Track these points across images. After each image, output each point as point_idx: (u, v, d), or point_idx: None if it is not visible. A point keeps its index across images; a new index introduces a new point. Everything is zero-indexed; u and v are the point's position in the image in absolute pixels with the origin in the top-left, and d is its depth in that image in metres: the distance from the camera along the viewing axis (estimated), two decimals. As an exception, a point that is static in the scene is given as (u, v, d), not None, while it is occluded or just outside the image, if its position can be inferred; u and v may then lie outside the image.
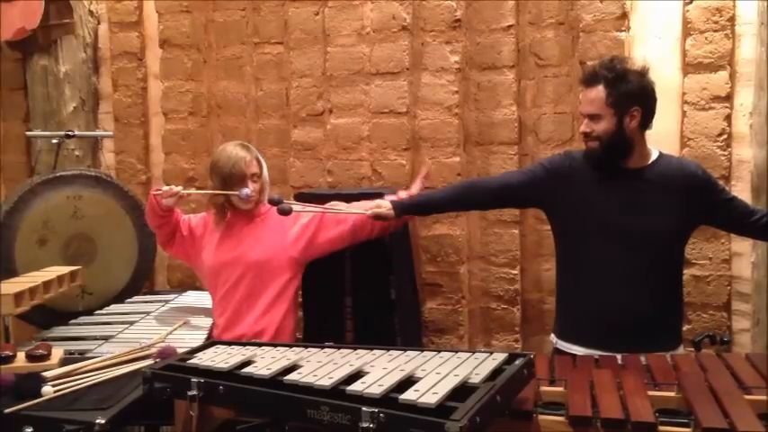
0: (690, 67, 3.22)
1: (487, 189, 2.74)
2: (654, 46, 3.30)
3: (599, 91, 2.39)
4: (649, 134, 3.19)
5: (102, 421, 1.94)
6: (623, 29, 3.28)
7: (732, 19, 3.16)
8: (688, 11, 3.20)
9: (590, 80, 2.42)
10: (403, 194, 2.92)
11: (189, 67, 3.90)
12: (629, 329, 2.36)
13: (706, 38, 3.18)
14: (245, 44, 3.84)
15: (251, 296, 2.83)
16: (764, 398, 1.82)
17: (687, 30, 3.21)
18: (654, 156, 2.47)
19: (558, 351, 2.54)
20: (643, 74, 2.42)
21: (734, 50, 3.17)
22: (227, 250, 2.88)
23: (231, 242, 2.90)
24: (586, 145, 2.47)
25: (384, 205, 2.72)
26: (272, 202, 2.78)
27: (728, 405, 1.73)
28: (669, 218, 2.38)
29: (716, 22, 3.16)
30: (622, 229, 2.40)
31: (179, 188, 2.87)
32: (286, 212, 2.73)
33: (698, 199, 2.40)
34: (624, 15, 3.27)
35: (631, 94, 2.37)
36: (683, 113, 3.22)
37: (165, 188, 2.87)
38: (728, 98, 3.17)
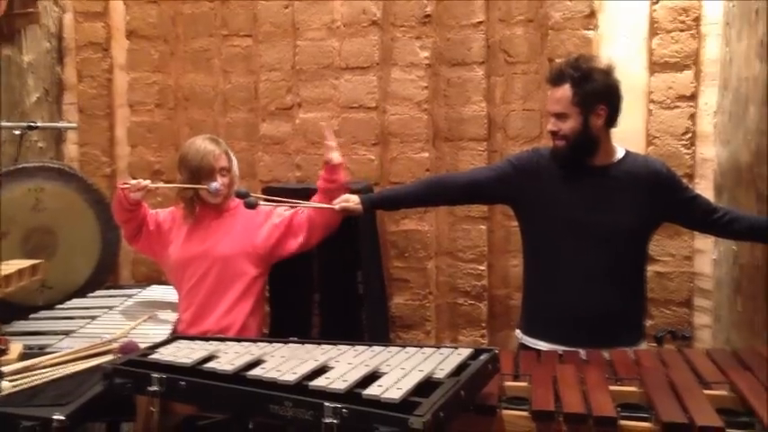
0: (656, 66, 3.26)
1: (456, 185, 2.74)
2: (621, 45, 3.33)
3: (565, 90, 2.40)
4: (615, 132, 3.22)
5: (61, 417, 1.90)
6: (591, 27, 3.30)
7: (698, 19, 3.20)
8: (655, 10, 3.23)
9: (556, 79, 2.44)
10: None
11: (156, 59, 3.85)
12: (593, 325, 2.38)
13: (672, 37, 3.22)
14: (214, 36, 3.80)
15: (217, 292, 2.80)
16: (724, 393, 1.85)
17: (654, 29, 3.24)
18: (620, 154, 2.49)
19: (523, 347, 2.55)
20: (608, 72, 2.44)
21: (699, 50, 3.22)
22: (194, 245, 2.85)
23: (199, 236, 2.87)
24: (554, 143, 2.49)
25: (352, 199, 2.70)
26: (239, 196, 2.75)
27: (688, 400, 1.75)
28: (633, 215, 2.41)
29: (682, 22, 3.20)
30: (587, 226, 2.42)
31: (147, 182, 2.83)
32: (252, 206, 2.71)
33: (662, 197, 2.43)
34: (592, 14, 3.29)
35: (597, 92, 2.39)
36: (649, 112, 3.26)
37: (133, 182, 2.83)
38: (693, 97, 3.21)
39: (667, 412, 1.69)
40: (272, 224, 2.88)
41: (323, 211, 2.77)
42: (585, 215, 2.42)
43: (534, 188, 2.53)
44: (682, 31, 3.21)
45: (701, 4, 3.19)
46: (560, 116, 2.42)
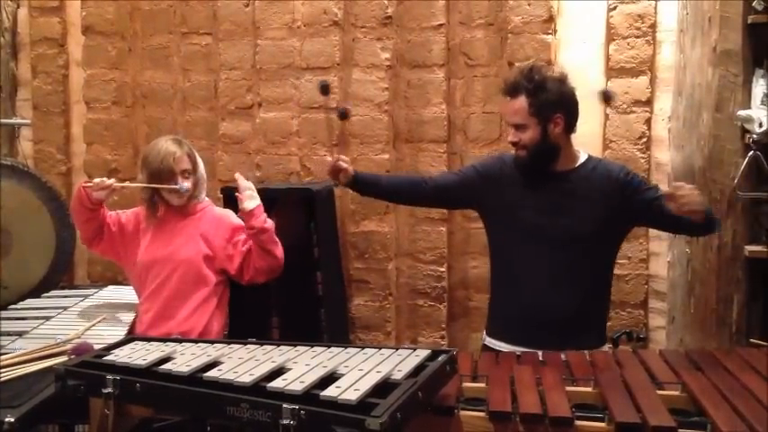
0: (613, 71, 3.31)
1: (426, 187, 2.73)
2: (579, 50, 3.38)
3: (521, 101, 2.42)
4: (574, 136, 3.28)
5: (12, 419, 1.87)
6: (550, 32, 3.34)
7: (653, 26, 3.26)
8: (612, 16, 3.29)
9: (511, 91, 2.45)
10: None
11: (113, 56, 3.79)
12: (554, 328, 2.40)
13: (628, 43, 3.27)
14: (173, 34, 3.76)
15: (179, 295, 2.77)
16: (676, 393, 1.88)
17: (611, 35, 3.30)
18: (582, 158, 2.52)
19: (486, 348, 2.57)
20: (562, 80, 2.47)
21: (654, 56, 3.28)
22: (158, 247, 2.81)
23: (163, 239, 2.83)
24: (515, 153, 2.51)
25: (345, 168, 2.67)
26: None
27: (642, 400, 1.78)
28: (594, 219, 2.43)
29: (638, 29, 3.26)
30: (550, 231, 2.44)
31: (111, 181, 2.78)
32: None
33: (623, 200, 2.44)
34: (551, 18, 3.33)
35: (552, 102, 2.41)
36: (606, 116, 3.31)
37: (97, 180, 2.77)
38: (649, 102, 3.27)
39: (621, 412, 1.71)
40: (237, 241, 2.85)
41: (265, 257, 2.81)
42: (547, 219, 2.44)
43: (497, 193, 2.55)
44: (637, 37, 3.26)
45: (657, 11, 3.26)
46: (519, 127, 2.44)
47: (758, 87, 2.73)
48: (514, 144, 2.48)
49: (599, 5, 3.32)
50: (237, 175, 2.88)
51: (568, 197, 2.45)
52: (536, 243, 2.46)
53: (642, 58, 3.27)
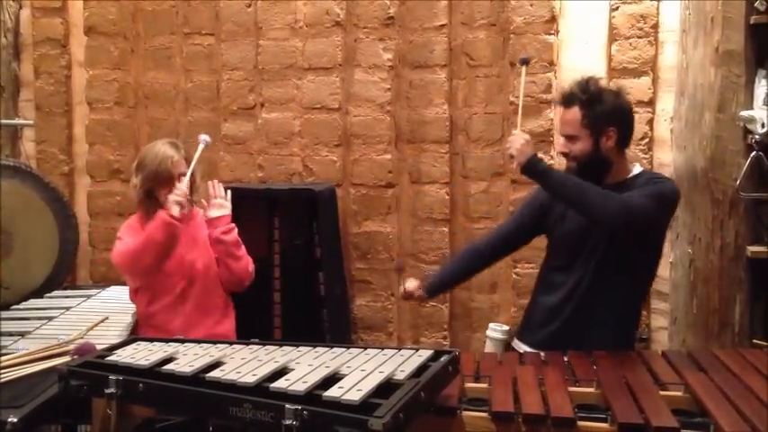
0: (615, 71, 3.31)
1: (489, 246, 2.69)
2: (581, 50, 3.38)
3: (575, 112, 2.38)
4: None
5: (14, 420, 1.86)
6: (552, 32, 3.34)
7: (656, 26, 3.26)
8: (614, 17, 3.29)
9: (566, 101, 2.41)
10: None
11: (115, 56, 3.79)
12: (590, 342, 2.35)
13: (630, 44, 3.27)
14: (175, 34, 3.76)
15: (201, 309, 2.75)
16: (679, 393, 1.88)
17: (613, 35, 3.30)
18: (634, 171, 2.45)
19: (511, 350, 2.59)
20: (618, 94, 2.43)
21: (657, 57, 3.28)
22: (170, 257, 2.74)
23: (181, 249, 2.75)
24: (567, 164, 2.48)
25: (415, 286, 2.65)
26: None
27: (644, 401, 1.78)
28: (636, 233, 2.37)
29: (640, 29, 3.26)
30: (597, 243, 2.39)
31: (183, 188, 2.66)
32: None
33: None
34: (553, 19, 3.33)
35: (606, 114, 2.36)
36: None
37: (176, 197, 2.63)
38: (651, 103, 3.27)
39: (624, 413, 1.71)
40: None
41: (223, 269, 2.78)
42: (594, 231, 2.39)
43: (551, 209, 2.52)
44: (640, 37, 3.26)
45: (659, 11, 3.25)
46: (570, 138, 2.40)
47: (760, 88, 2.73)
48: (564, 154, 2.45)
49: (601, 6, 3.32)
50: (215, 183, 2.82)
51: None
52: (578, 254, 2.42)
53: (644, 58, 3.27)
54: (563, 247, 2.48)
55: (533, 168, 2.33)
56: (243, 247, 2.83)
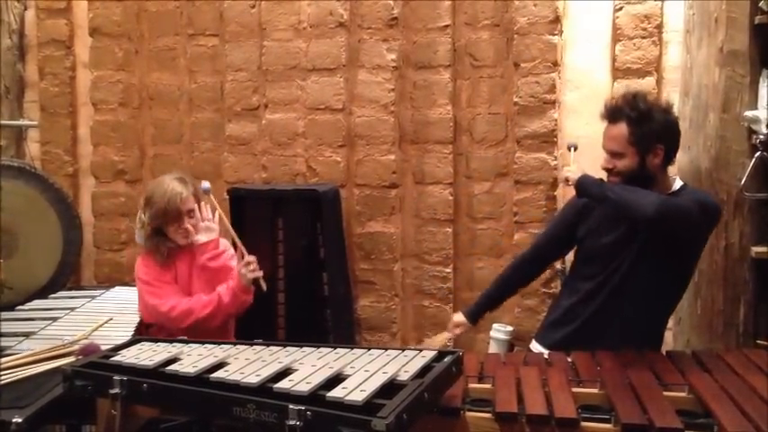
0: (619, 72, 3.30)
1: (527, 260, 2.70)
2: (585, 50, 3.38)
3: (621, 129, 2.33)
4: (580, 136, 3.28)
5: (19, 420, 1.88)
6: (556, 32, 3.34)
7: (660, 26, 3.25)
8: (618, 17, 3.28)
9: (612, 116, 2.37)
10: None
11: (120, 57, 3.80)
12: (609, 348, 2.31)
13: (634, 44, 3.27)
14: (179, 35, 3.77)
15: (219, 332, 2.73)
16: (683, 394, 1.88)
17: (617, 35, 3.29)
18: (675, 186, 2.43)
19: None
20: (668, 111, 2.38)
21: (661, 57, 3.27)
22: (184, 290, 2.74)
23: (183, 284, 2.76)
24: (608, 179, 2.44)
25: (459, 321, 2.70)
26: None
27: (648, 401, 1.77)
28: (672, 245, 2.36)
29: (644, 29, 3.26)
30: (630, 257, 2.38)
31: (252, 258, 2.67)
32: None
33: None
34: (557, 19, 3.33)
35: (655, 132, 2.32)
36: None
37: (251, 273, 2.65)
38: (655, 103, 3.26)
39: (627, 413, 1.71)
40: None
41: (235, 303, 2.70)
42: (627, 245, 2.38)
43: (587, 218, 2.51)
44: (644, 38, 3.26)
45: (663, 11, 3.25)
46: (616, 154, 2.36)
47: (765, 88, 2.72)
48: (607, 170, 2.41)
49: (605, 6, 3.32)
50: (203, 205, 2.75)
51: None
52: (609, 266, 2.41)
53: (648, 58, 3.26)
54: (595, 259, 2.45)
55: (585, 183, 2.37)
56: (234, 271, 2.72)
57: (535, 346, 2.58)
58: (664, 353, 2.30)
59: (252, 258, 2.67)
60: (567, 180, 2.52)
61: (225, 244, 2.81)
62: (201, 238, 2.71)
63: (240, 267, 2.66)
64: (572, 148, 2.72)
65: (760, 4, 2.68)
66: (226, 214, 3.55)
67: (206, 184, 2.71)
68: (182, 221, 2.69)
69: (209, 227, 2.73)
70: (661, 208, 2.24)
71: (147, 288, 2.72)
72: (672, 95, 3.24)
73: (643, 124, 2.31)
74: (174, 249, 2.77)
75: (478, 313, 2.71)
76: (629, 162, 2.34)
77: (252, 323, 3.29)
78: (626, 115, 2.33)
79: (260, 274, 2.66)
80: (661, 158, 2.35)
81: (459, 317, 2.73)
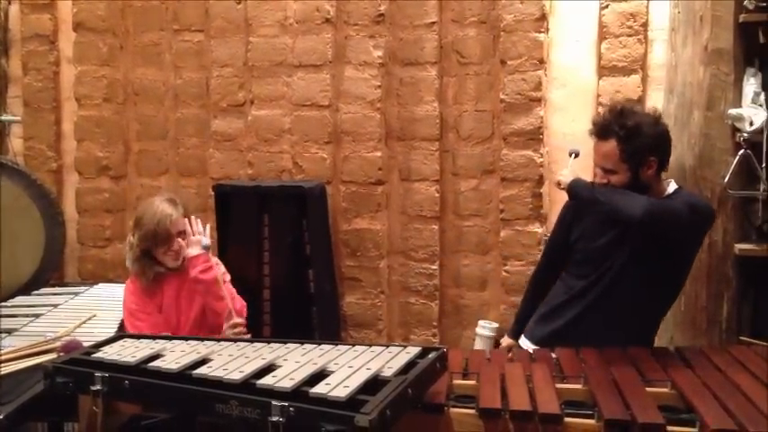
0: (605, 69, 3.31)
1: (542, 271, 2.70)
2: (571, 48, 3.39)
3: (612, 146, 2.32)
4: (565, 134, 3.29)
5: (0, 417, 1.86)
6: (542, 30, 3.34)
7: (645, 24, 3.26)
8: (604, 15, 3.29)
9: (602, 134, 2.35)
10: None
11: (104, 52, 3.77)
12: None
13: (620, 42, 3.28)
14: (165, 31, 3.75)
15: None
16: (666, 390, 1.89)
17: (603, 33, 3.30)
18: (670, 190, 2.42)
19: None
20: (657, 121, 2.37)
21: (646, 55, 3.29)
22: (173, 317, 2.71)
23: (175, 306, 2.72)
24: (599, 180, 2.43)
25: (509, 344, 2.67)
26: None
27: (631, 397, 1.78)
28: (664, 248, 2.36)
29: (630, 27, 3.27)
30: (621, 260, 2.38)
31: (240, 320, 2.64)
32: None
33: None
34: (543, 17, 3.33)
35: (646, 146, 2.31)
36: (598, 114, 3.30)
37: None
38: (640, 101, 3.28)
39: (610, 409, 1.72)
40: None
41: (217, 316, 2.65)
42: (620, 248, 2.38)
43: (581, 219, 2.51)
44: (629, 36, 3.27)
45: (648, 9, 3.26)
46: (608, 171, 2.36)
47: (749, 86, 2.74)
48: (603, 185, 2.40)
49: (591, 4, 3.33)
50: (193, 219, 2.71)
51: None
52: (600, 268, 2.42)
53: (634, 56, 3.27)
54: (588, 260, 2.46)
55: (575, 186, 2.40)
56: (227, 283, 2.70)
57: (524, 342, 2.59)
58: (647, 349, 2.30)
59: (240, 321, 2.62)
60: (558, 184, 2.54)
61: (216, 259, 2.76)
62: (192, 251, 2.66)
63: (226, 328, 2.60)
64: (573, 154, 2.73)
65: (744, 2, 2.70)
66: (211, 211, 3.58)
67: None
68: (171, 244, 2.65)
69: (200, 240, 2.67)
70: (650, 211, 2.24)
71: (130, 319, 2.69)
72: (657, 93, 3.26)
73: (633, 140, 2.29)
74: (161, 274, 2.71)
75: (520, 331, 2.68)
76: (623, 177, 2.34)
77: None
78: (614, 132, 2.31)
79: (246, 337, 2.60)
80: (654, 169, 2.35)
81: (506, 340, 2.72)
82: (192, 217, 2.73)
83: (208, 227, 2.74)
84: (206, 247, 2.62)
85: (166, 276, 2.72)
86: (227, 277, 2.74)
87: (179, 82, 3.76)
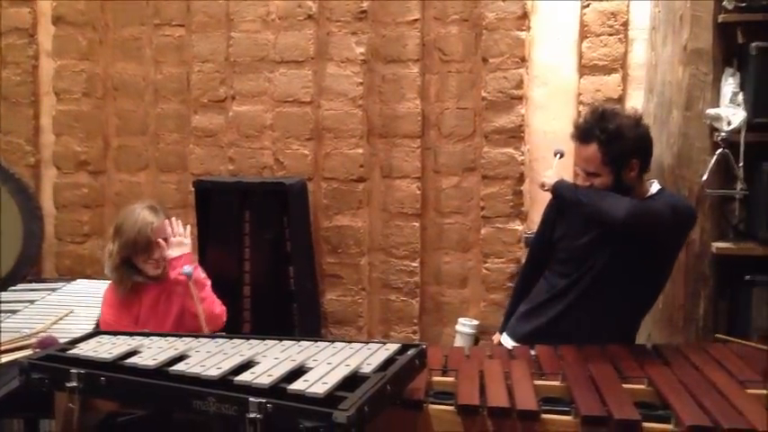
0: (585, 68, 3.33)
1: (528, 270, 2.71)
2: (553, 47, 3.40)
3: (593, 150, 2.34)
4: (546, 132, 3.30)
5: (-26, 414, 1.84)
6: (524, 28, 3.35)
7: (626, 24, 3.29)
8: (585, 14, 3.31)
9: (583, 138, 2.37)
10: None
11: (84, 46, 3.73)
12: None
13: (601, 41, 3.30)
14: (145, 25, 3.72)
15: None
16: (642, 387, 1.90)
17: (584, 32, 3.32)
18: (653, 190, 2.44)
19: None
20: (637, 123, 2.38)
21: (627, 54, 3.31)
22: (157, 321, 2.66)
23: (158, 314, 2.67)
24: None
25: (500, 339, 2.66)
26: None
27: (607, 394, 1.79)
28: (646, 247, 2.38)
29: (611, 26, 3.29)
30: (602, 260, 2.40)
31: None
32: None
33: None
34: (525, 15, 3.34)
35: (628, 149, 2.33)
36: (579, 113, 3.32)
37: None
38: (620, 100, 3.30)
39: (587, 406, 1.73)
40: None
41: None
42: (602, 248, 2.40)
43: (562, 219, 2.53)
44: (610, 35, 3.29)
45: (629, 8, 3.28)
46: (591, 174, 2.38)
47: (727, 86, 2.76)
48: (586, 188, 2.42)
49: (572, 3, 3.34)
50: (174, 220, 2.67)
51: None
52: (581, 267, 2.43)
53: (614, 55, 3.29)
54: (570, 259, 2.48)
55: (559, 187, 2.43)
56: (207, 287, 2.66)
57: (505, 339, 2.60)
58: (625, 347, 2.32)
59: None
60: (542, 185, 2.56)
61: (196, 263, 2.73)
62: (173, 252, 2.62)
63: None
64: (558, 155, 2.74)
65: (724, 2, 2.72)
66: (191, 207, 3.56)
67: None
68: (152, 252, 2.61)
69: (181, 242, 2.64)
70: (632, 212, 2.26)
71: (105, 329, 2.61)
72: (637, 93, 3.28)
73: (614, 144, 2.31)
74: (140, 284, 2.67)
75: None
76: (605, 180, 2.36)
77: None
78: (596, 137, 2.33)
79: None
80: (636, 171, 2.37)
81: (497, 337, 2.71)
82: (173, 218, 2.69)
83: (188, 228, 2.71)
84: (188, 275, 2.53)
85: (145, 286, 2.68)
86: (208, 282, 2.70)
87: (159, 77, 3.73)
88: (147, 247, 2.61)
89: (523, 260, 3.26)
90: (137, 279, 2.66)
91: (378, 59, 3.52)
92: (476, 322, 3.44)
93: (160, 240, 2.61)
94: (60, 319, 2.79)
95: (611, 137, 2.31)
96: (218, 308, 2.68)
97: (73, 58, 3.74)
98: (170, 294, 2.66)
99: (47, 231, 3.72)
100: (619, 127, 2.32)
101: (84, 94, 3.75)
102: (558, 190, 2.48)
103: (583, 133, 2.37)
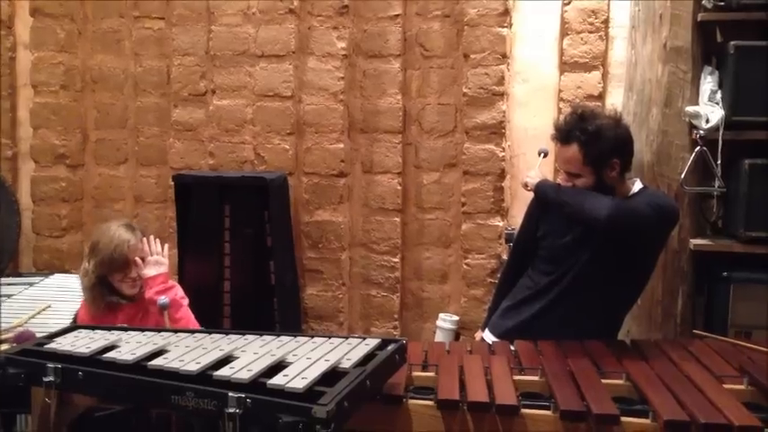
0: (566, 65, 3.35)
1: (512, 267, 2.69)
2: (534, 43, 3.41)
3: (574, 151, 2.34)
4: (527, 128, 3.31)
5: (-51, 409, 1.81)
6: (505, 25, 3.36)
7: (606, 21, 3.31)
8: (566, 11, 3.33)
9: (564, 139, 2.37)
10: None
11: (62, 38, 3.69)
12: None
13: (582, 38, 3.32)
14: (125, 17, 3.69)
15: None
16: (621, 381, 1.91)
17: (565, 30, 3.34)
18: (635, 189, 2.44)
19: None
20: (617, 124, 2.39)
21: (607, 52, 3.33)
22: None
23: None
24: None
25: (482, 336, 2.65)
26: None
27: (586, 389, 1.80)
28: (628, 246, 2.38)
29: (591, 24, 3.31)
30: (583, 258, 2.40)
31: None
32: None
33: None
34: (506, 12, 3.35)
35: (608, 149, 2.33)
36: (559, 110, 3.35)
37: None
38: (601, 97, 3.32)
39: (566, 400, 1.74)
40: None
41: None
42: (582, 246, 2.40)
43: (546, 216, 2.53)
44: (591, 32, 3.31)
45: (609, 6, 3.30)
46: (572, 175, 2.38)
47: (706, 84, 2.78)
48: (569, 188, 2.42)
49: (554, 0, 3.35)
50: (151, 238, 2.62)
51: None
52: (562, 265, 2.43)
53: (595, 53, 3.32)
54: (552, 257, 2.48)
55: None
56: (183, 308, 2.59)
57: (487, 335, 2.60)
58: (603, 342, 2.33)
59: None
60: (525, 185, 2.57)
61: (174, 282, 2.68)
62: (150, 272, 2.56)
63: None
64: (542, 154, 2.75)
65: (703, 1, 2.74)
66: (170, 202, 3.54)
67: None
68: (129, 270, 2.55)
69: (159, 261, 2.59)
70: (614, 212, 2.27)
71: None
72: (617, 90, 3.30)
73: (595, 144, 2.32)
74: (115, 304, 2.62)
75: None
76: (587, 180, 2.36)
77: (197, 312, 3.24)
78: (577, 138, 2.34)
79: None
80: (618, 170, 2.38)
81: (479, 334, 2.71)
82: (151, 236, 2.64)
83: (166, 247, 2.66)
84: (163, 306, 2.48)
85: (121, 306, 2.63)
86: (185, 301, 2.63)
87: (139, 70, 3.70)
88: (123, 266, 2.54)
89: (504, 256, 3.29)
90: (110, 299, 2.60)
91: (359, 54, 3.52)
92: (456, 318, 3.45)
93: (137, 259, 2.56)
94: (38, 313, 2.77)
95: (591, 137, 2.32)
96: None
97: (51, 50, 3.70)
98: (146, 313, 2.60)
99: (24, 225, 3.68)
100: (599, 127, 2.33)
101: (62, 86, 3.72)
102: (541, 190, 2.49)
103: (563, 134, 2.38)
